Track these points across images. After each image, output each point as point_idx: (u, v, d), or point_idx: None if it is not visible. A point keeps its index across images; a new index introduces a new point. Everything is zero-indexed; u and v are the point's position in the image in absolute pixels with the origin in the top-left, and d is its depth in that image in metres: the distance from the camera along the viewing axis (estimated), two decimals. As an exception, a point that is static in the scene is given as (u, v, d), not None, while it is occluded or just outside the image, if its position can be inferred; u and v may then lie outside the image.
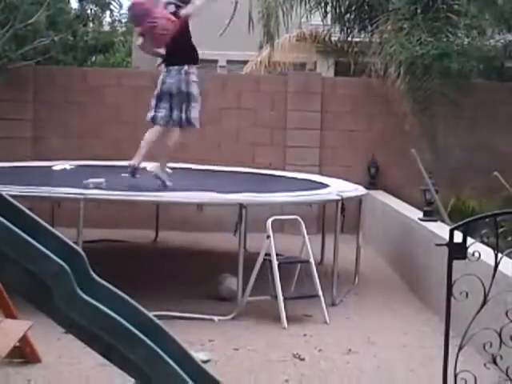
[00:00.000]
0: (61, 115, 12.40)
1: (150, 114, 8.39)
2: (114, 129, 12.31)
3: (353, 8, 13.31)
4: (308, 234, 7.54)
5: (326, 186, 9.12)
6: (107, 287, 3.65)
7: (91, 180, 7.97)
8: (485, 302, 4.02)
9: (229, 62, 19.31)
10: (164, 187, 8.22)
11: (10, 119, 12.22)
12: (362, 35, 13.52)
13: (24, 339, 5.44)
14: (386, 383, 5.73)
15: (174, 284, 8.28)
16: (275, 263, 7.11)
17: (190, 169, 10.61)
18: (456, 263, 4.08)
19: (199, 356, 5.53)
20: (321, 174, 11.38)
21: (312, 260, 7.42)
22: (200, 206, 8.43)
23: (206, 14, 18.08)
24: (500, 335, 4.01)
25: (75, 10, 14.70)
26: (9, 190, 6.43)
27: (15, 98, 12.29)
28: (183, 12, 8.18)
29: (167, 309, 6.86)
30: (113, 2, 15.07)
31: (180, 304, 7.23)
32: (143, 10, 8.02)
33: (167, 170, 8.61)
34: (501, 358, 4.06)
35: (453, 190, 11.03)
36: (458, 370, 3.99)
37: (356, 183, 9.50)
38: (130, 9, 8.40)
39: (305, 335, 6.71)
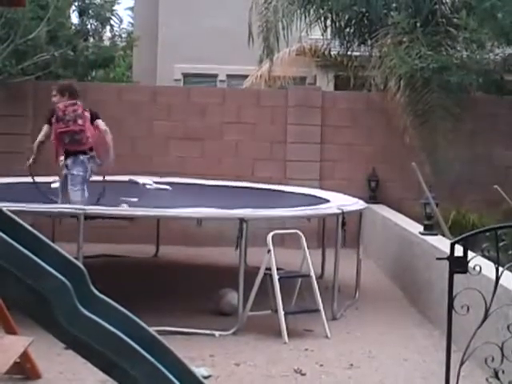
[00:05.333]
0: (61, 130, 12.38)
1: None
2: (113, 143, 12.27)
3: (352, 22, 13.34)
4: (308, 248, 7.52)
5: (326, 200, 9.12)
6: (108, 302, 3.64)
7: None
8: (486, 316, 4.00)
9: (229, 76, 19.32)
10: None
11: (10, 134, 12.23)
12: (362, 49, 13.54)
13: (24, 355, 5.42)
14: (388, 398, 5.73)
15: (174, 299, 8.26)
16: (276, 277, 7.10)
17: (190, 183, 10.61)
18: (457, 277, 4.07)
19: (200, 371, 5.52)
20: (321, 187, 11.39)
21: (312, 274, 7.40)
22: (200, 221, 8.41)
23: (208, 29, 18.16)
24: (502, 349, 4.00)
25: (75, 25, 14.72)
26: (9, 206, 6.42)
27: (15, 113, 12.31)
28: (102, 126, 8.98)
29: (168, 324, 6.84)
30: (113, 17, 15.11)
31: (181, 319, 7.22)
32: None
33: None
34: (503, 372, 4.04)
35: (453, 204, 11.02)
36: (459, 385, 3.98)
37: (356, 197, 9.49)
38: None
39: (306, 350, 6.69)
